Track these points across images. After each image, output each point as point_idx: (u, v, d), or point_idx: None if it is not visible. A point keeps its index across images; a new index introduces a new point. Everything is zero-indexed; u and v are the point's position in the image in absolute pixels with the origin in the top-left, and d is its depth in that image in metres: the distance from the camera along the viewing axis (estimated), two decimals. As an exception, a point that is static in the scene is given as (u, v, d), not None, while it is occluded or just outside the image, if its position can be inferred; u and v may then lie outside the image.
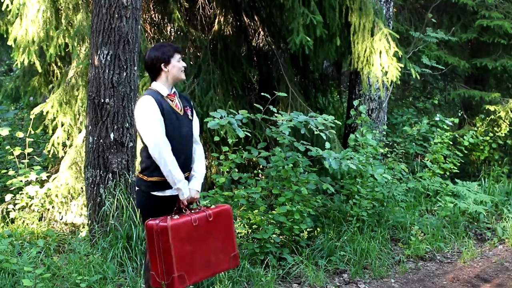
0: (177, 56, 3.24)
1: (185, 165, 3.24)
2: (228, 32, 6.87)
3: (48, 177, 5.71)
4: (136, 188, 3.31)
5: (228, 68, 6.64)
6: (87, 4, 5.76)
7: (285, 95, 5.70)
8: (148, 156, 3.16)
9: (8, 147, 5.95)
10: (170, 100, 3.23)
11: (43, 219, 5.40)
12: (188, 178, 3.27)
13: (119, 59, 4.46)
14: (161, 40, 6.83)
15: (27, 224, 5.17)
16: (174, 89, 3.32)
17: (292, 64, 7.19)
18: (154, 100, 3.12)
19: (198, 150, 3.37)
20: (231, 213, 3.39)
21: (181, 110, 3.26)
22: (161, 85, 3.23)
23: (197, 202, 3.33)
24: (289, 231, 4.70)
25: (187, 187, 3.19)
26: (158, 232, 3.02)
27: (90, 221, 4.62)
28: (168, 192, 3.21)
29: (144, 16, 6.60)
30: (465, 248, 5.40)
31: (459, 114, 9.53)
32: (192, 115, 3.35)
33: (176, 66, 3.23)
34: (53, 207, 5.44)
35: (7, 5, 5.72)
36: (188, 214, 3.16)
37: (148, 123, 3.10)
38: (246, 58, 7.03)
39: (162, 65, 3.21)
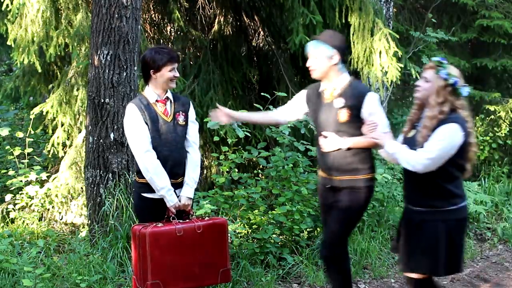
0: (170, 66, 3.19)
1: (174, 171, 3.22)
2: (228, 32, 6.87)
3: (48, 177, 5.71)
4: (133, 189, 3.35)
5: (228, 68, 6.64)
6: (87, 4, 5.76)
7: (285, 95, 5.68)
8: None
9: (8, 147, 5.95)
10: (161, 105, 3.22)
11: (43, 219, 5.39)
12: (180, 184, 3.26)
13: (119, 59, 4.46)
14: (161, 41, 6.83)
15: (27, 224, 5.16)
16: (168, 94, 3.27)
17: (292, 64, 7.19)
18: (137, 107, 3.17)
19: (192, 156, 3.32)
20: (226, 227, 3.34)
21: (169, 116, 3.23)
22: (151, 90, 3.24)
23: (190, 211, 3.30)
24: (289, 231, 4.70)
25: (173, 195, 3.18)
26: (139, 237, 3.03)
27: (90, 221, 4.62)
28: (158, 195, 3.21)
29: (144, 16, 6.60)
30: (465, 248, 5.40)
31: (459, 114, 9.51)
32: (185, 121, 3.29)
33: (165, 76, 3.19)
34: (53, 207, 5.43)
35: (7, 5, 5.71)
36: (174, 223, 3.15)
37: (130, 131, 3.19)
38: (246, 58, 7.03)
39: (152, 71, 3.22)
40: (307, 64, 3.25)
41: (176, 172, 3.24)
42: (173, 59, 3.23)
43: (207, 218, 3.38)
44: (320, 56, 3.17)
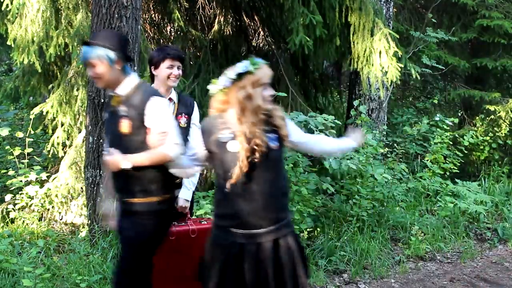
0: (167, 63, 3.18)
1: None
2: (228, 32, 6.87)
3: (48, 177, 5.71)
4: None
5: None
6: (87, 4, 5.75)
7: (285, 95, 5.70)
8: None
9: (8, 147, 5.94)
10: None
11: (43, 219, 5.39)
12: (179, 185, 3.24)
13: (119, 59, 4.45)
14: (161, 41, 6.83)
15: (27, 224, 5.16)
16: (172, 94, 3.25)
17: (292, 64, 7.19)
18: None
19: None
20: None
21: None
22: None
23: (187, 214, 3.28)
24: (289, 231, 4.69)
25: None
26: None
27: (90, 221, 4.62)
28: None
29: (144, 16, 6.60)
30: (465, 248, 5.40)
31: (459, 114, 9.53)
32: (187, 123, 3.27)
33: (163, 73, 3.18)
34: (53, 207, 5.43)
35: (7, 5, 5.71)
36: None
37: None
38: (246, 58, 7.02)
39: (152, 68, 3.22)
40: (90, 74, 2.75)
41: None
42: (170, 55, 3.19)
43: (204, 221, 3.34)
44: (99, 62, 2.67)
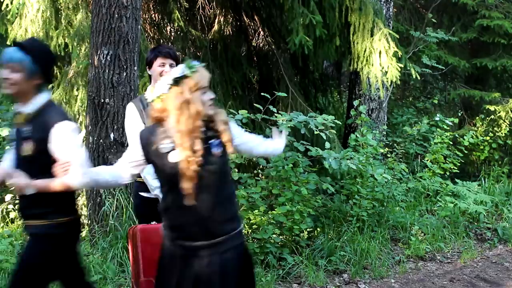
0: (159, 61, 3.17)
1: None
2: (228, 32, 6.87)
3: (48, 177, 5.71)
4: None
5: (228, 68, 6.64)
6: (87, 4, 5.76)
7: (285, 95, 5.69)
8: None
9: (8, 147, 5.93)
10: None
11: (43, 219, 5.39)
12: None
13: (119, 59, 4.46)
14: (161, 40, 6.83)
15: (27, 224, 5.16)
16: None
17: (292, 64, 7.19)
18: (135, 107, 3.18)
19: None
20: None
21: None
22: (148, 90, 3.21)
23: None
24: (289, 231, 4.70)
25: None
26: (132, 235, 2.99)
27: (90, 221, 4.62)
28: (153, 194, 3.19)
29: (144, 16, 6.60)
30: (465, 248, 5.40)
31: (459, 114, 9.52)
32: None
33: (156, 70, 3.17)
34: (53, 207, 5.43)
35: (7, 5, 5.71)
36: None
37: (128, 131, 3.20)
38: (246, 58, 7.03)
39: (147, 68, 3.23)
40: (3, 76, 2.49)
41: None
42: (161, 53, 3.18)
43: None
44: (19, 68, 2.46)
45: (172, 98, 2.29)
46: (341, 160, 4.90)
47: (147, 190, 3.21)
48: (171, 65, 3.20)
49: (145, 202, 3.25)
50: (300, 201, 4.79)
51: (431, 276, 4.73)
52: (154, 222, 3.09)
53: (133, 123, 3.17)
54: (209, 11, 6.95)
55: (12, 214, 5.25)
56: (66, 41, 5.73)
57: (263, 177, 5.36)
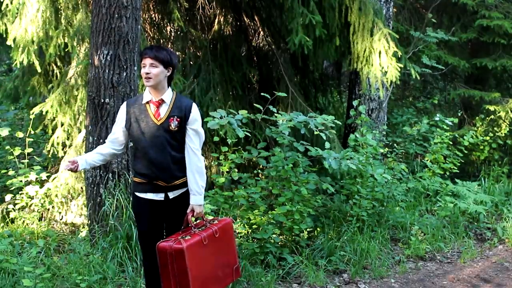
0: (142, 61, 3.13)
1: (152, 173, 3.17)
2: (228, 32, 6.87)
3: (48, 177, 5.71)
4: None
5: (228, 68, 6.64)
6: (87, 4, 5.75)
7: (285, 95, 5.69)
8: (133, 157, 3.25)
9: (8, 147, 5.94)
10: (153, 107, 3.17)
11: (43, 219, 5.39)
12: (172, 188, 3.21)
13: (119, 59, 4.46)
14: (161, 41, 6.83)
15: (27, 224, 5.16)
16: (164, 96, 3.16)
17: (292, 64, 7.19)
18: (125, 105, 3.26)
19: (189, 163, 3.18)
20: (232, 226, 3.43)
21: (160, 119, 3.15)
22: (147, 91, 3.21)
23: (203, 218, 3.30)
24: (289, 231, 4.70)
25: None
26: (173, 254, 2.98)
27: (90, 221, 4.62)
28: (150, 196, 3.21)
29: (144, 16, 6.60)
30: (465, 248, 5.40)
31: (459, 114, 9.52)
32: (178, 126, 3.13)
33: (142, 72, 3.14)
34: (53, 207, 5.43)
35: (7, 5, 5.71)
36: (197, 233, 3.14)
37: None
38: (246, 58, 7.02)
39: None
40: None
41: (157, 174, 3.16)
42: (142, 54, 3.15)
43: (216, 221, 3.38)
44: None
45: None
46: (341, 160, 4.90)
47: (143, 190, 3.23)
48: (151, 65, 3.12)
49: (142, 203, 3.26)
50: (300, 201, 4.80)
51: (431, 276, 4.74)
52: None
53: (116, 119, 3.30)
54: (209, 11, 6.95)
55: (12, 214, 5.25)
56: (66, 41, 5.72)
57: (263, 177, 5.37)
